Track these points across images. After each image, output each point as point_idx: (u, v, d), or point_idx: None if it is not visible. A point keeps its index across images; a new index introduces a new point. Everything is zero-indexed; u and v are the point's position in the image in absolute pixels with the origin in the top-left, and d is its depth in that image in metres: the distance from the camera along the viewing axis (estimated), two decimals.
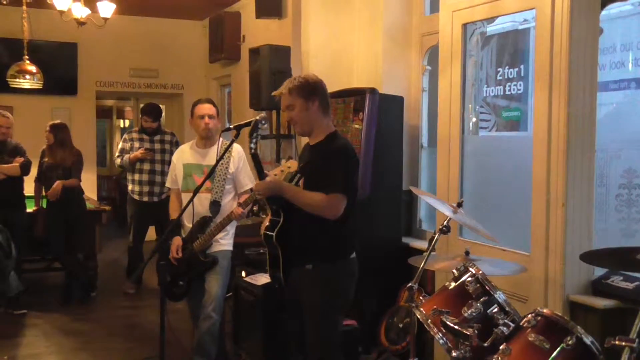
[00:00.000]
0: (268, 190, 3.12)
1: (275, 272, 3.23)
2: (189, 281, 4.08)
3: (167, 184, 4.37)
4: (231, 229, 4.16)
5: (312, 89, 3.14)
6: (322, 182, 3.01)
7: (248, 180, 4.15)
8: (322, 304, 3.12)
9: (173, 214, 4.18)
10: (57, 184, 5.93)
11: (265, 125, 3.30)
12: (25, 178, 6.02)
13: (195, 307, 4.21)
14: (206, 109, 4.12)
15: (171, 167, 4.30)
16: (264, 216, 5.42)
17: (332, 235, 3.06)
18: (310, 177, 3.12)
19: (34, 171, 6.11)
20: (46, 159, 6.06)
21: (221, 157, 3.54)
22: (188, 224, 4.06)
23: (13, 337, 5.26)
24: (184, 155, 4.22)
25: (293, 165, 3.26)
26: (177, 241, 4.03)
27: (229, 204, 4.09)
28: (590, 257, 2.69)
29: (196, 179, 4.06)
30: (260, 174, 3.18)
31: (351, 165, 3.11)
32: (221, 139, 4.16)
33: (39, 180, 6.16)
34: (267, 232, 3.19)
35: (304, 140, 5.57)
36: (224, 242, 4.11)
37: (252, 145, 3.20)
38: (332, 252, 3.09)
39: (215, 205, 4.00)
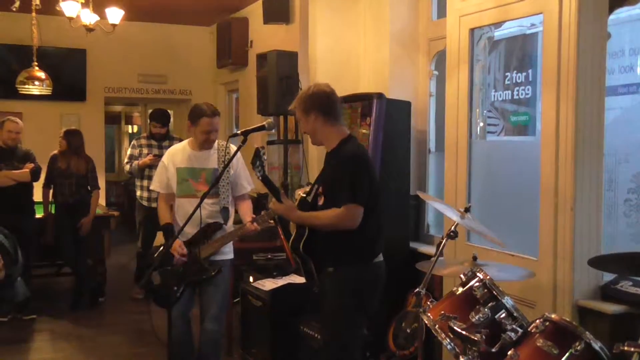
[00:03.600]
0: (282, 214, 3.26)
1: (310, 276, 3.28)
2: (184, 288, 3.81)
3: (154, 187, 4.05)
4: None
5: (309, 104, 3.18)
6: (335, 194, 3.07)
7: (247, 184, 4.01)
8: (341, 305, 3.15)
9: (164, 218, 3.93)
10: (88, 222, 6.12)
11: (264, 153, 3.31)
12: (34, 184, 6.05)
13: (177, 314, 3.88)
14: (214, 124, 3.85)
15: (160, 169, 4.02)
16: (271, 222, 5.41)
17: (350, 239, 3.08)
18: (326, 186, 3.19)
19: (43, 177, 6.13)
20: (59, 165, 6.08)
21: (228, 163, 3.51)
22: (189, 229, 3.76)
23: (22, 342, 5.29)
24: (177, 158, 3.96)
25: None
26: (177, 242, 3.74)
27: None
28: (599, 262, 2.68)
29: (193, 184, 3.89)
30: (274, 192, 3.23)
31: (361, 172, 3.08)
32: (217, 141, 3.97)
33: (47, 187, 6.18)
34: (295, 244, 3.25)
35: (312, 146, 5.59)
36: (227, 249, 3.96)
37: (259, 174, 3.26)
38: (351, 256, 3.13)
39: (225, 212, 3.85)
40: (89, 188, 6.24)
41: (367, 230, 3.09)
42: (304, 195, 3.29)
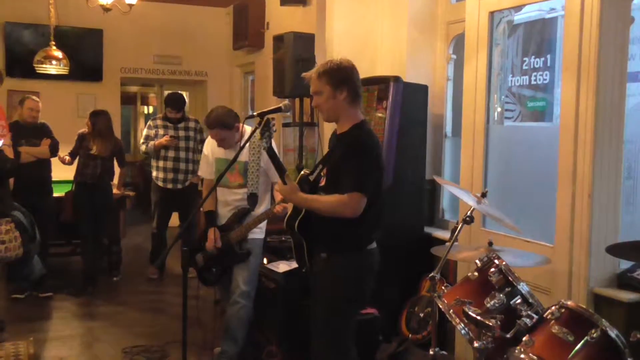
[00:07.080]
0: (284, 196, 3.13)
1: (300, 256, 3.21)
2: (223, 269, 4.17)
3: (201, 173, 4.38)
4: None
5: (342, 78, 2.99)
6: (340, 180, 2.94)
7: None
8: (331, 294, 3.09)
9: (206, 205, 4.18)
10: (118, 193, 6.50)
11: (273, 125, 3.20)
12: (52, 164, 6.07)
13: (224, 292, 4.35)
14: (215, 135, 4.06)
15: (204, 157, 4.30)
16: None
17: (346, 227, 2.96)
18: (331, 169, 3.07)
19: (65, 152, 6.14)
20: (86, 144, 6.08)
21: (241, 149, 3.51)
22: (225, 213, 4.14)
23: (38, 320, 5.35)
24: (216, 148, 4.19)
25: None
26: (213, 231, 4.08)
27: (263, 196, 4.13)
28: (617, 250, 2.66)
29: (227, 175, 4.04)
30: (279, 170, 3.10)
31: (370, 162, 2.96)
32: (245, 128, 4.09)
33: (72, 156, 6.14)
34: (290, 222, 3.16)
35: (328, 128, 5.56)
36: (257, 230, 4.15)
37: (265, 144, 3.09)
38: (344, 244, 3.03)
39: (252, 198, 4.03)
40: (119, 166, 6.37)
41: (366, 220, 2.96)
42: (307, 173, 3.18)
